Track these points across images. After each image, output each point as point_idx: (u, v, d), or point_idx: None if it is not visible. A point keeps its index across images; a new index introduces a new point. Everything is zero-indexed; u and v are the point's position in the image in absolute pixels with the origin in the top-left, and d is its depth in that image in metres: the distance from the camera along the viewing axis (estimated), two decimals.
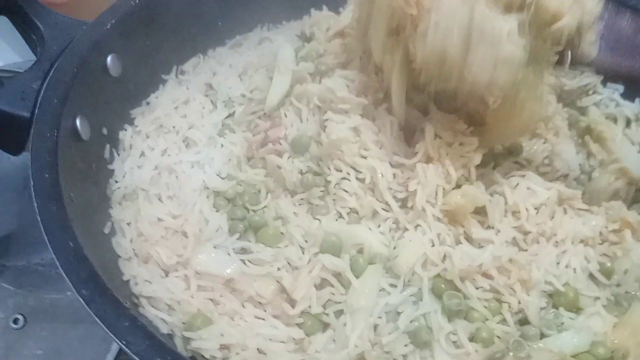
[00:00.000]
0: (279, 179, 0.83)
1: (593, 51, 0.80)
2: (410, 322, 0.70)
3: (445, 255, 0.74)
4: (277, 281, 0.73)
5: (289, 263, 0.74)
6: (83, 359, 1.04)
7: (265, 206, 0.82)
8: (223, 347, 0.67)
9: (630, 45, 0.83)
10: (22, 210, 1.15)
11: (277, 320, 0.71)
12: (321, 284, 0.73)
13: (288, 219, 0.79)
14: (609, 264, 0.79)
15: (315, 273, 0.71)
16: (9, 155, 0.85)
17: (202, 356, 0.67)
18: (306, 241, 0.76)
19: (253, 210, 0.82)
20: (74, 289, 0.56)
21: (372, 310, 0.70)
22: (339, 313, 0.72)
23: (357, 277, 0.72)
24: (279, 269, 0.74)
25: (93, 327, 1.04)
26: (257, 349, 0.67)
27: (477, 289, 0.73)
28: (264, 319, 0.71)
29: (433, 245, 0.74)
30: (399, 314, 0.71)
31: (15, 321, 1.07)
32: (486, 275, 0.73)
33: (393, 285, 0.72)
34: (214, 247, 0.77)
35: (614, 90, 1.05)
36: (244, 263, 0.75)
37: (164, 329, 0.70)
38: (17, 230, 1.14)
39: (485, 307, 0.73)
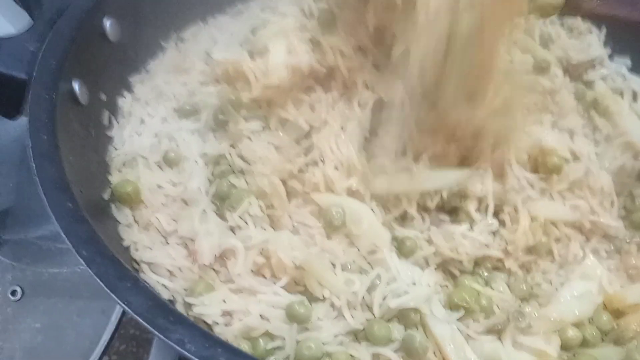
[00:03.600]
0: None
1: None
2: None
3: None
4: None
5: None
6: (82, 332, 1.04)
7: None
8: (225, 314, 0.67)
9: None
10: (20, 184, 1.13)
11: (278, 287, 0.70)
12: None
13: None
14: None
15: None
16: (5, 128, 0.83)
17: (204, 322, 0.67)
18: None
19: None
20: (73, 250, 0.55)
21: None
22: None
23: None
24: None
25: (92, 301, 1.06)
26: (260, 315, 0.66)
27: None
28: (265, 286, 0.70)
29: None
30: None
31: (13, 293, 1.06)
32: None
33: None
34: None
35: (621, 64, 1.03)
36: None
37: (165, 295, 0.69)
38: (15, 204, 1.13)
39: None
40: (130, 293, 0.53)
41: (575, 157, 0.84)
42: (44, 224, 1.11)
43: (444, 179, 0.76)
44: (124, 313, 1.02)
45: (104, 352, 1.02)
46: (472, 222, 0.76)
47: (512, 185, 0.77)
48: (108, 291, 0.52)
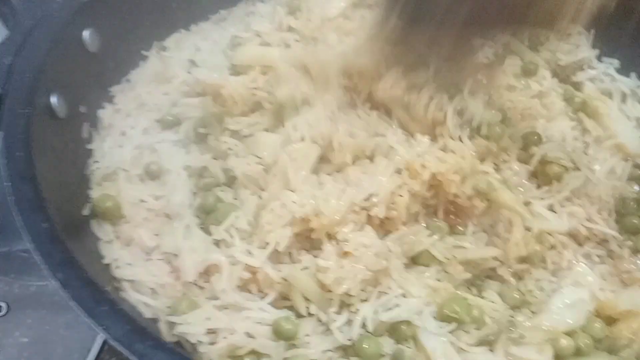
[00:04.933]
0: None
1: None
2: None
3: None
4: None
5: None
6: (70, 346, 1.02)
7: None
8: (210, 332, 0.65)
9: None
10: (3, 196, 1.11)
11: (265, 303, 0.68)
12: None
13: None
14: None
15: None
16: None
17: (188, 341, 0.65)
18: None
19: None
20: (49, 272, 0.53)
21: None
22: None
23: None
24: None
25: (79, 315, 1.04)
26: (246, 333, 0.65)
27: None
28: (251, 302, 0.68)
29: None
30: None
31: None
32: None
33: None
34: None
35: (609, 65, 1.02)
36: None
37: (148, 314, 0.67)
38: None
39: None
40: (108, 317, 0.51)
41: (576, 167, 0.83)
42: None
43: None
44: None
45: None
46: None
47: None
48: (84, 315, 0.50)
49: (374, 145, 0.79)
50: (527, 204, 0.78)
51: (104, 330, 0.49)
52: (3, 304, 1.05)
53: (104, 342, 1.01)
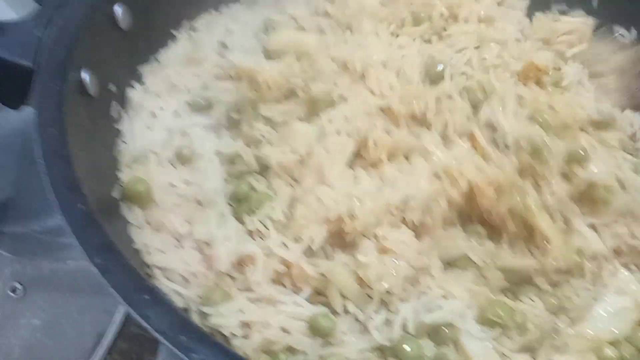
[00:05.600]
0: None
1: None
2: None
3: None
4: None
5: None
6: (82, 330, 1.00)
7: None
8: (244, 325, 0.63)
9: None
10: (21, 175, 1.09)
11: (301, 298, 0.66)
12: None
13: None
14: None
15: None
16: (6, 117, 0.78)
17: (221, 333, 0.62)
18: None
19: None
20: (87, 257, 0.50)
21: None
22: None
23: None
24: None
25: (93, 297, 1.02)
26: (281, 328, 0.62)
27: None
28: (286, 296, 0.66)
29: None
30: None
31: (14, 290, 1.02)
32: None
33: None
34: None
35: None
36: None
37: (180, 303, 0.65)
38: (15, 196, 1.09)
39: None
40: (149, 306, 0.48)
41: (622, 187, 0.78)
42: (45, 217, 1.07)
43: None
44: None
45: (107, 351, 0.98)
46: None
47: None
48: (125, 304, 0.48)
49: (411, 145, 0.76)
50: (567, 222, 0.74)
51: (146, 321, 0.47)
52: (18, 285, 1.03)
53: (121, 329, 1.00)
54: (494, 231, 0.74)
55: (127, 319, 1.01)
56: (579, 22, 0.97)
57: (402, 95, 0.79)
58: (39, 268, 1.05)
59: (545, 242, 0.72)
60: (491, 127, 0.78)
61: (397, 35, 0.90)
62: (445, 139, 0.77)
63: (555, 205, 0.74)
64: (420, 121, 0.79)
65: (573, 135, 0.82)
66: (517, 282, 0.73)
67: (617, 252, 0.77)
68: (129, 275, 0.51)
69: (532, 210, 0.71)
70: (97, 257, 0.51)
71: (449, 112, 0.78)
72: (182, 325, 0.48)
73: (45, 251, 1.05)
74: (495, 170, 0.72)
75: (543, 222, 0.71)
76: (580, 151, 0.78)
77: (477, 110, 0.80)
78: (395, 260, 0.66)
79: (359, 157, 0.76)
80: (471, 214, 0.74)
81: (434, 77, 0.84)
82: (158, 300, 0.49)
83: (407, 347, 0.61)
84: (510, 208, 0.71)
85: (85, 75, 0.73)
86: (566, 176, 0.77)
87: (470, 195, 0.72)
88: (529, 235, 0.73)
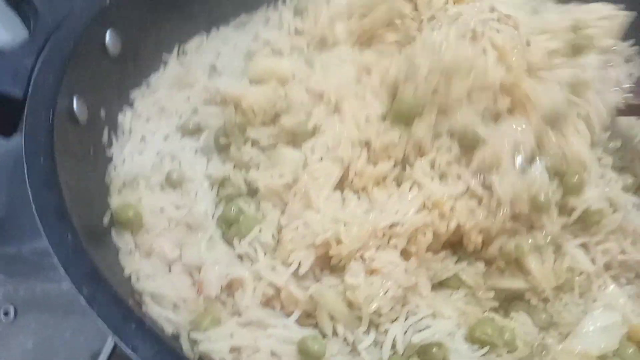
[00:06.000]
0: None
1: None
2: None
3: None
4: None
5: None
6: (76, 352, 1.00)
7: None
8: (233, 350, 0.63)
9: None
10: (13, 196, 1.09)
11: (290, 321, 0.66)
12: None
13: None
14: None
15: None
16: None
17: (211, 359, 0.63)
18: None
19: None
20: (74, 287, 0.51)
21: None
22: None
23: None
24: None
25: (86, 318, 1.02)
26: (271, 352, 0.63)
27: None
28: (275, 319, 0.66)
29: None
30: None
31: (6, 312, 1.02)
32: None
33: None
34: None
35: None
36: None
37: (169, 329, 0.65)
38: (7, 217, 1.09)
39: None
40: (136, 336, 0.49)
41: (614, 208, 0.78)
42: (37, 237, 1.06)
43: None
44: None
45: None
46: None
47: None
48: (112, 334, 0.48)
49: (398, 175, 0.74)
50: (557, 248, 0.75)
51: (133, 350, 0.47)
52: (10, 307, 1.03)
53: (112, 351, 1.00)
54: (485, 261, 0.74)
55: None
56: None
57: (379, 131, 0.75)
58: (31, 289, 1.05)
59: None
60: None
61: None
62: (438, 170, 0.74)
63: (549, 241, 0.74)
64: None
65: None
66: (508, 300, 0.74)
67: (608, 267, 0.77)
68: (116, 305, 0.51)
69: (524, 250, 0.71)
70: (84, 287, 0.52)
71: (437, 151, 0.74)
72: (168, 355, 0.48)
73: (37, 272, 1.06)
74: (487, 217, 0.71)
75: (533, 264, 0.72)
76: (577, 181, 0.74)
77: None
78: (384, 281, 0.66)
79: (347, 179, 0.76)
80: (461, 244, 0.74)
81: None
82: (145, 330, 0.50)
83: None
84: (502, 250, 0.72)
85: (75, 103, 0.74)
86: (561, 209, 0.75)
87: (458, 232, 0.72)
88: (518, 265, 0.74)
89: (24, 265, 1.06)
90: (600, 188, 0.78)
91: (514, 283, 0.73)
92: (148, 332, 0.50)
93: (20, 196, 0.66)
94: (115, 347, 0.99)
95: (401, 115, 0.74)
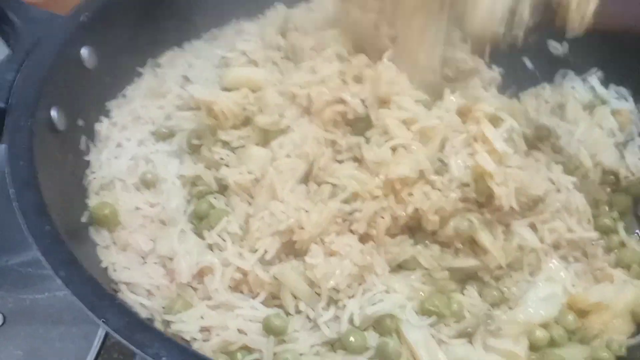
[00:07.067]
0: None
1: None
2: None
3: None
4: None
5: None
6: (63, 357, 1.03)
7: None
8: (204, 329, 0.68)
9: None
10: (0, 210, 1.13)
11: (256, 302, 0.72)
12: None
13: None
14: None
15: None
16: None
17: (182, 338, 0.68)
18: None
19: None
20: (52, 270, 0.56)
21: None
22: None
23: None
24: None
25: (74, 326, 1.05)
26: (238, 329, 0.68)
27: None
28: (243, 301, 0.72)
29: None
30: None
31: None
32: None
33: None
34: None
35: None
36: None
37: (144, 314, 0.70)
38: None
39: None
40: (108, 311, 0.54)
41: (556, 189, 0.84)
42: (25, 250, 1.10)
43: None
44: (106, 337, 1.02)
45: None
46: None
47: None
48: (86, 309, 0.54)
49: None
50: (506, 225, 0.80)
51: (104, 323, 0.53)
52: (0, 317, 1.06)
53: (98, 353, 1.03)
54: (441, 243, 0.79)
55: (107, 345, 1.05)
56: None
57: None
58: (20, 300, 1.08)
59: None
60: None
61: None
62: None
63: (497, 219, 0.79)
64: None
65: None
66: (463, 279, 0.79)
67: (556, 246, 0.83)
68: (90, 285, 0.57)
69: (475, 226, 0.76)
70: (61, 270, 0.57)
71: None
72: (138, 326, 0.54)
73: (25, 283, 1.09)
74: (440, 198, 0.76)
75: (484, 239, 0.77)
76: None
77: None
78: (341, 261, 0.72)
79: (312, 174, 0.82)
80: (419, 228, 0.79)
81: None
82: (117, 305, 0.55)
83: (352, 339, 0.67)
84: (456, 228, 0.77)
85: (54, 113, 0.80)
86: None
87: (416, 215, 0.77)
88: (472, 243, 0.79)
89: (12, 277, 1.09)
90: (542, 175, 0.85)
91: (467, 262, 0.78)
92: (119, 307, 0.55)
93: (7, 211, 0.70)
94: (99, 352, 1.03)
95: None
